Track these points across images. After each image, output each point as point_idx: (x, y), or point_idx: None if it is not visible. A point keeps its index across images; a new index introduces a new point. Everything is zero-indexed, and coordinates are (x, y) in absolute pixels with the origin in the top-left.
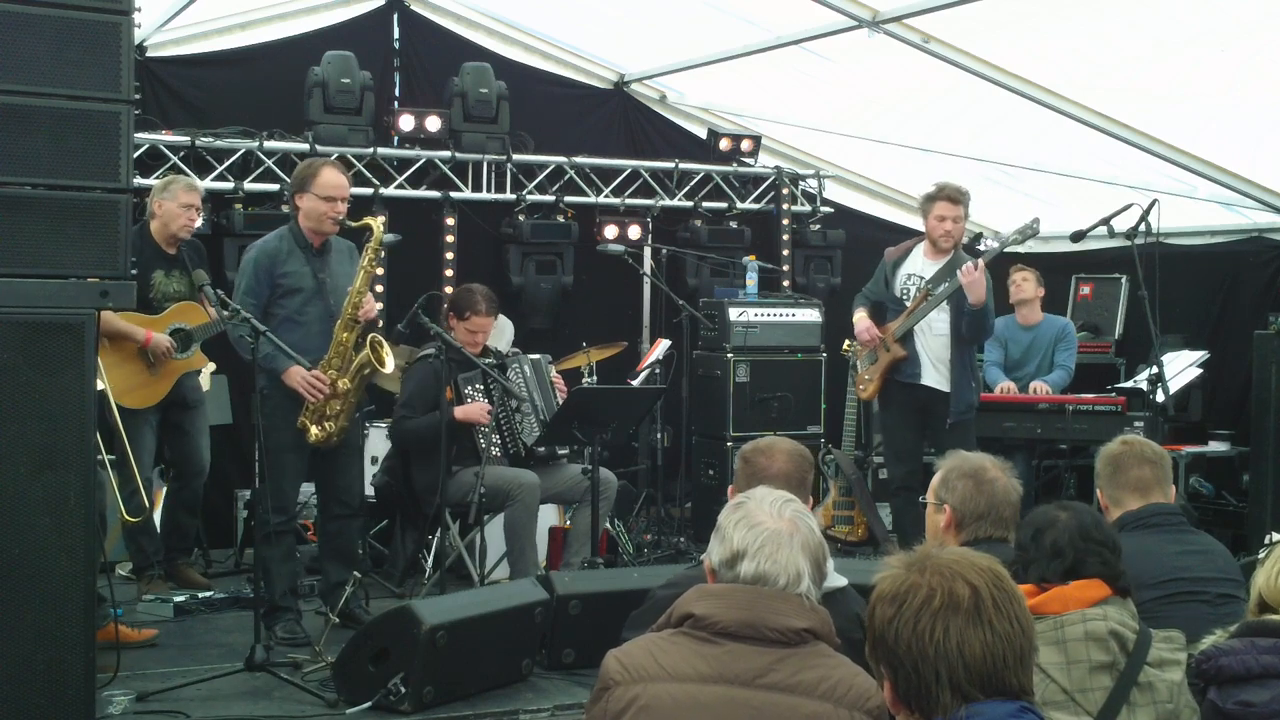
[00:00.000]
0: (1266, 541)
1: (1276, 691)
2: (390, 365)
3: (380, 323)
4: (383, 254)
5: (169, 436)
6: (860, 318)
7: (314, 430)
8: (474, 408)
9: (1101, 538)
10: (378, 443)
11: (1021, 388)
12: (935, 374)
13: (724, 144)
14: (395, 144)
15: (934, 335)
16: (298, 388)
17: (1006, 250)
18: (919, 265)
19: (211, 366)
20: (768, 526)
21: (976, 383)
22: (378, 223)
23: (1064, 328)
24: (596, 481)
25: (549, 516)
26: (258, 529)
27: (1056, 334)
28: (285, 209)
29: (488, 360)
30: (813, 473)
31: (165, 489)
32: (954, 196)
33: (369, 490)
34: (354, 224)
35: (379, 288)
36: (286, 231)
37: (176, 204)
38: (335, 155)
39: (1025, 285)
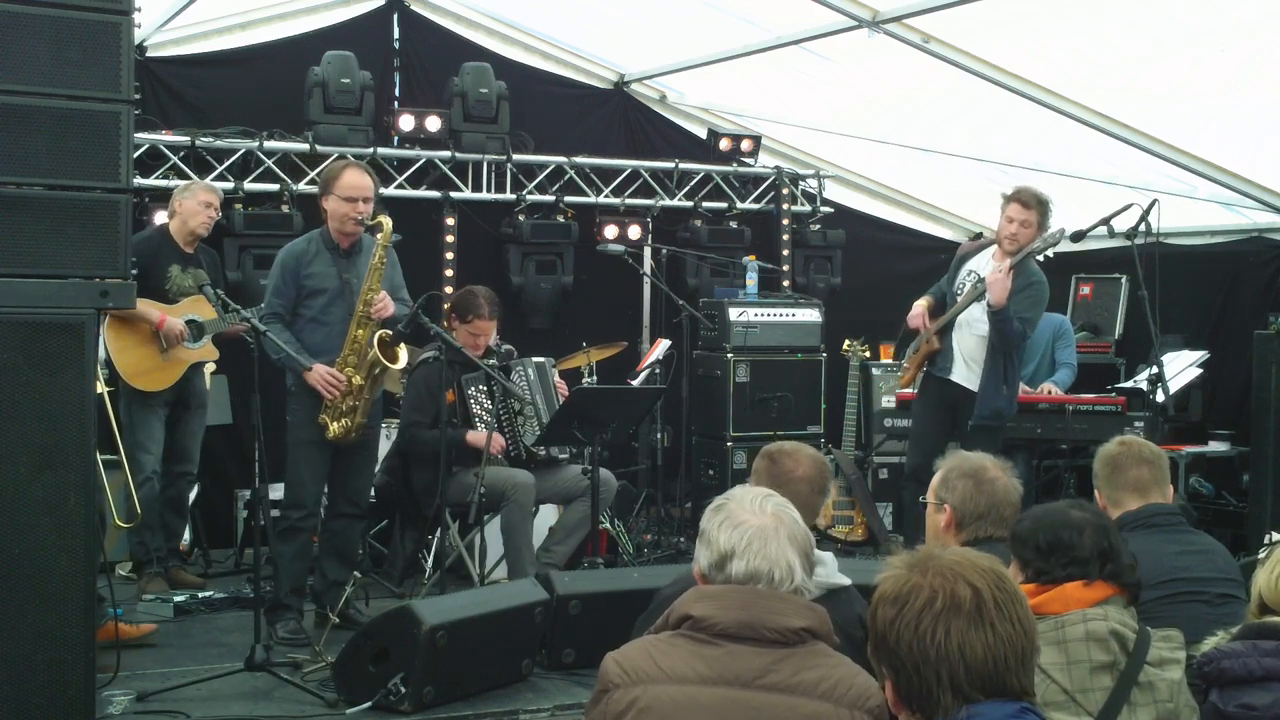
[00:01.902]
0: (1266, 541)
1: (1278, 695)
2: (403, 362)
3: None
4: None
5: (166, 432)
6: (917, 302)
7: (333, 426)
8: (484, 436)
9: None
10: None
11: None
12: (965, 371)
13: (724, 144)
14: (395, 144)
15: (973, 334)
16: (315, 385)
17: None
18: (982, 263)
19: (211, 366)
20: (752, 524)
21: (1011, 391)
22: (388, 220)
23: (1060, 325)
24: (596, 482)
25: (549, 516)
26: (274, 524)
27: (1054, 332)
28: (285, 209)
29: (490, 361)
30: (830, 480)
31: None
32: (1026, 201)
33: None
34: (369, 222)
35: None
36: (316, 234)
37: (196, 201)
38: (335, 155)
39: None
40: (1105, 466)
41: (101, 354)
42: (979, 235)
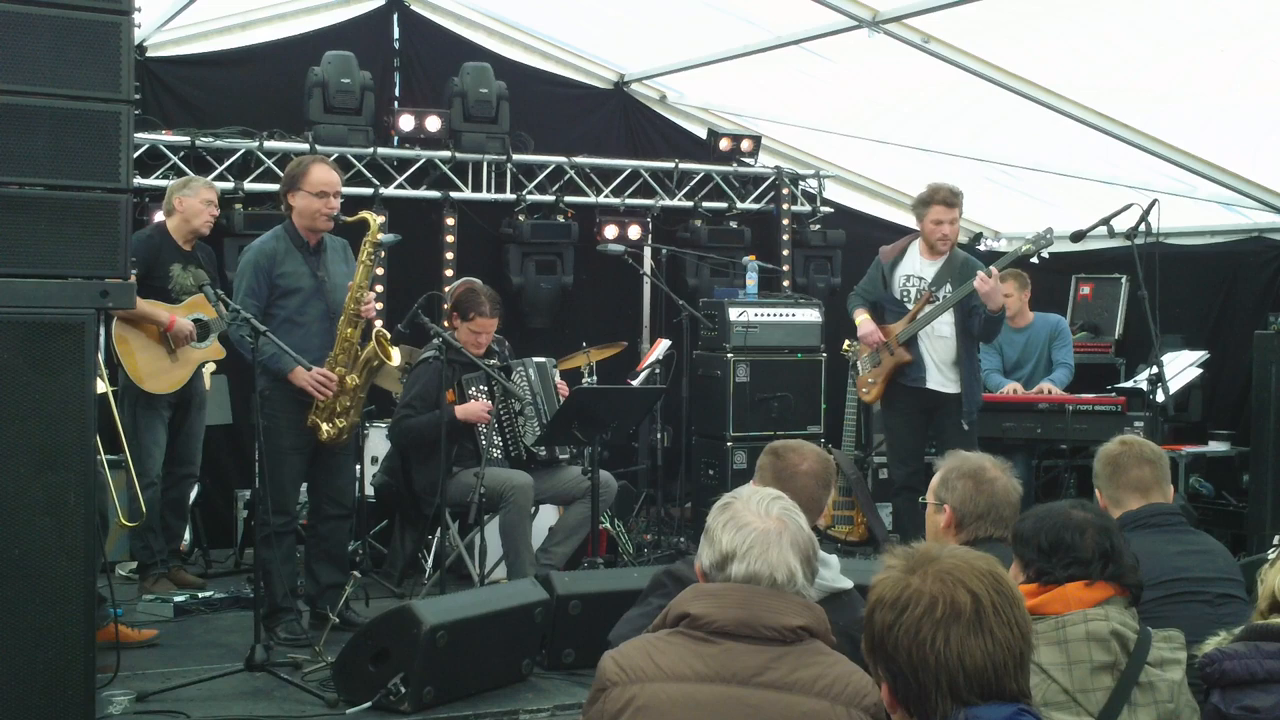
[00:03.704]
0: (1276, 542)
1: None
2: (397, 358)
3: (380, 321)
4: (382, 253)
5: (169, 434)
6: (864, 320)
7: (325, 428)
8: (474, 406)
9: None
10: (378, 443)
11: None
12: (940, 377)
13: (724, 144)
14: (395, 144)
15: (937, 338)
16: (306, 387)
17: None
18: (917, 266)
19: (212, 366)
20: (756, 526)
21: (979, 383)
22: (373, 216)
23: (1056, 324)
24: (596, 482)
25: (549, 517)
26: (258, 531)
27: (1050, 332)
28: (285, 209)
29: (491, 362)
30: (835, 478)
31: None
32: (948, 200)
33: (369, 490)
34: (349, 220)
35: (378, 288)
36: (282, 231)
37: (199, 200)
38: (335, 155)
39: (1009, 300)
40: (1106, 466)
41: (109, 358)
42: (979, 236)
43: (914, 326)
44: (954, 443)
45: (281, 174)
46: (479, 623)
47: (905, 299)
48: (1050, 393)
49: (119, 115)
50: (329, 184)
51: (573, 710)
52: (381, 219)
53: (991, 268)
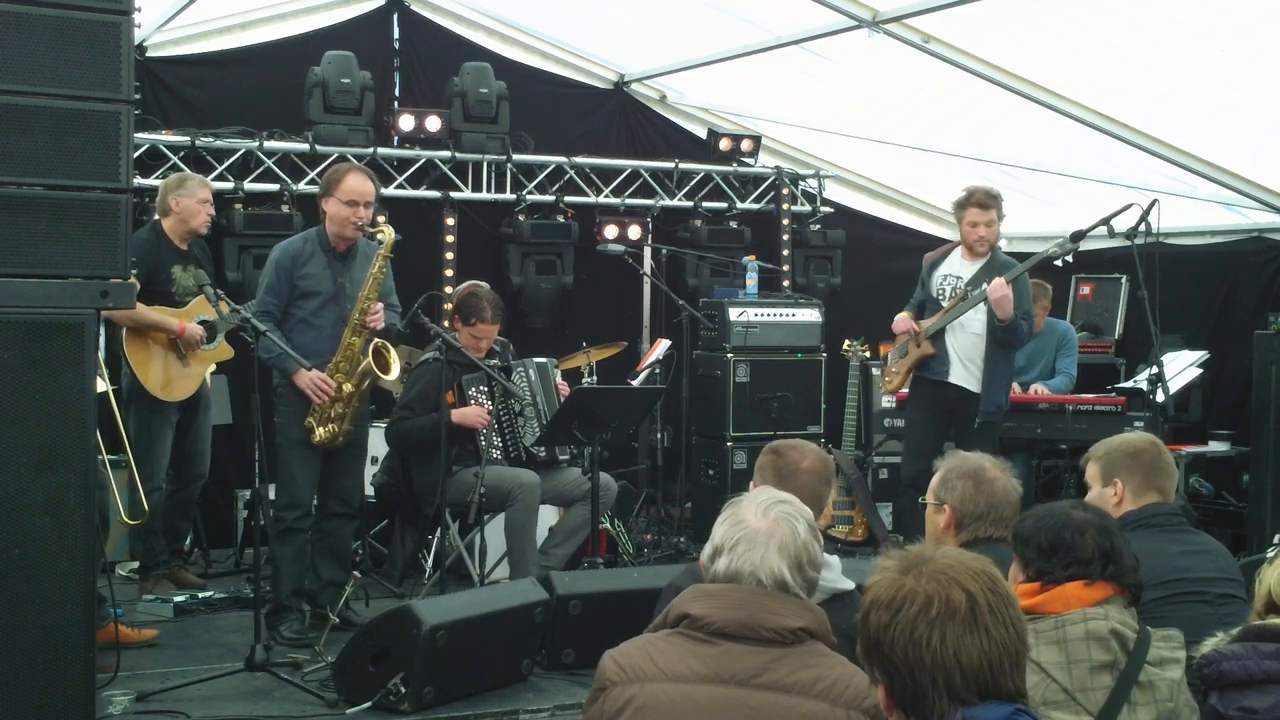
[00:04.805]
0: (1277, 540)
1: (1278, 698)
2: (395, 372)
3: (397, 326)
4: None
5: (178, 436)
6: (901, 314)
7: (319, 431)
8: (471, 411)
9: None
10: (378, 443)
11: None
12: (964, 372)
13: (724, 144)
14: (395, 144)
15: (966, 333)
16: (305, 389)
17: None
18: (956, 266)
19: (212, 366)
20: (748, 525)
21: (1008, 384)
22: (389, 230)
23: (1065, 333)
24: (596, 483)
25: (549, 517)
26: (272, 526)
27: (1058, 339)
28: (285, 209)
29: (492, 363)
30: (835, 477)
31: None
32: (983, 202)
33: (369, 490)
34: (371, 230)
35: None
36: (314, 234)
37: (195, 200)
38: (335, 155)
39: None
40: (1137, 458)
41: (122, 371)
42: None
43: (942, 321)
44: (968, 441)
45: (282, 174)
46: (479, 623)
47: (941, 297)
48: (1039, 393)
49: (119, 115)
50: (359, 194)
51: (573, 710)
52: (386, 222)
53: (1002, 278)
